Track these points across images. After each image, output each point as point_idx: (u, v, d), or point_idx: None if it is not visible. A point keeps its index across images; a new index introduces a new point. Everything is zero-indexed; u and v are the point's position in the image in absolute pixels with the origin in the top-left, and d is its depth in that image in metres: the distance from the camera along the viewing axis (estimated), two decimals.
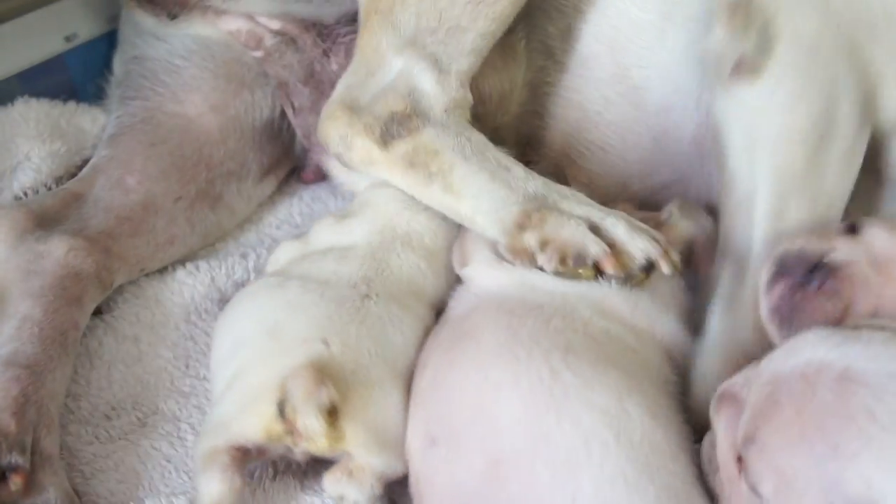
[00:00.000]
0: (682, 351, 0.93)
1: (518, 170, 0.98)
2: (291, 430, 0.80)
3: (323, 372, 0.82)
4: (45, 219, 1.08)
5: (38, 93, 1.24)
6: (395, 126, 1.00)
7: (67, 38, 1.29)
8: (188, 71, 1.23)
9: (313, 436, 0.80)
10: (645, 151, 1.16)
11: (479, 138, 1.01)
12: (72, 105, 1.27)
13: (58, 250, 1.03)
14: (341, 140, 1.01)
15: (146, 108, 1.23)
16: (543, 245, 0.90)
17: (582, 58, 1.16)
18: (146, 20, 1.26)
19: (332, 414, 0.80)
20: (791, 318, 0.81)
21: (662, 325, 0.92)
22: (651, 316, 0.91)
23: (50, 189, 1.18)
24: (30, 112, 1.21)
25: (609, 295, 0.90)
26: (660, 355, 0.90)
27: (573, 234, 0.90)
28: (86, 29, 1.31)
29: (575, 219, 0.91)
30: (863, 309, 0.79)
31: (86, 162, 1.21)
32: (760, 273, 0.85)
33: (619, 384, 0.80)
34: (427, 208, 1.01)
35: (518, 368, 0.80)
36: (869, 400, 0.64)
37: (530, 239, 0.91)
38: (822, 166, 0.93)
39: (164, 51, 1.25)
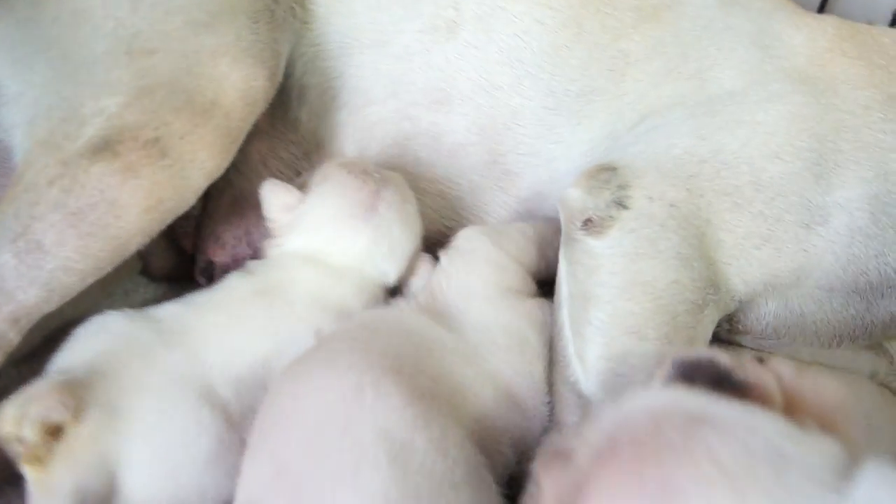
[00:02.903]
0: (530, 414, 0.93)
1: None
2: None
3: (75, 391, 0.83)
4: None
5: None
6: None
7: None
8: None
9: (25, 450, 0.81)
10: None
11: None
12: None
13: None
14: None
15: None
16: None
17: (450, 149, 1.15)
18: None
19: (55, 432, 0.81)
20: None
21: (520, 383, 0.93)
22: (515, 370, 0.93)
23: None
24: None
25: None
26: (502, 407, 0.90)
27: None
28: None
29: None
30: None
31: None
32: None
33: (417, 418, 0.78)
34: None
35: (330, 381, 0.80)
36: (714, 440, 0.60)
37: None
38: (654, 330, 0.92)
39: None
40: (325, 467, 0.75)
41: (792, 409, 0.72)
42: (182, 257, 1.20)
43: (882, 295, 1.03)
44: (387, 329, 0.91)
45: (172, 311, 0.96)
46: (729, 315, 1.03)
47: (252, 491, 0.79)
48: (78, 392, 0.84)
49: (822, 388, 0.76)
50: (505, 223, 1.13)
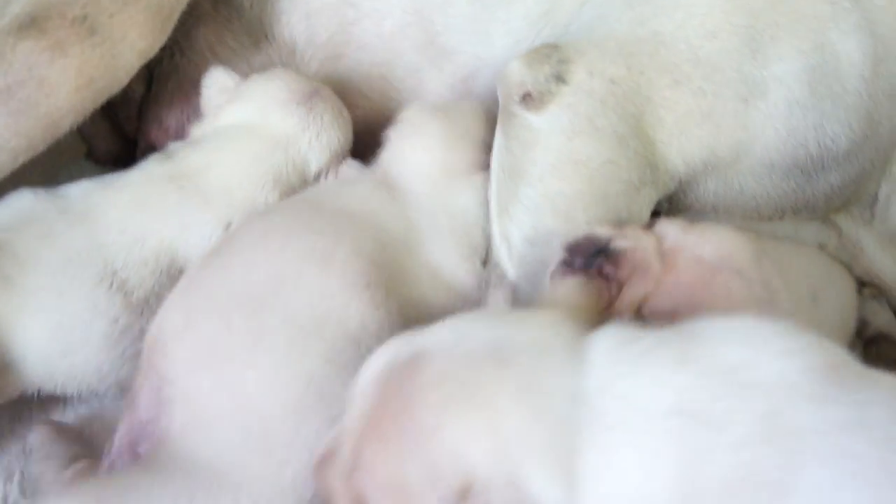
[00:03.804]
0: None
1: None
2: None
3: None
4: None
5: None
6: None
7: None
8: None
9: None
10: None
11: None
12: None
13: None
14: None
15: None
16: None
17: (390, 31, 1.14)
18: None
19: None
20: None
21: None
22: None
23: None
24: None
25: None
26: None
27: None
28: None
29: None
30: (635, 293, 0.78)
31: None
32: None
33: (339, 304, 0.81)
34: None
35: (257, 261, 0.83)
36: (434, 369, 0.62)
37: None
38: (583, 212, 0.92)
39: None
40: (232, 341, 0.78)
41: (669, 269, 0.77)
42: (127, 141, 1.20)
43: (822, 167, 1.03)
44: (331, 208, 0.92)
45: (82, 189, 0.96)
46: (669, 195, 1.03)
47: (163, 327, 0.81)
48: None
49: (707, 241, 0.79)
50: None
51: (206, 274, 0.84)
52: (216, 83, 1.06)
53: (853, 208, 1.12)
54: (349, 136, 1.06)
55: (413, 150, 1.00)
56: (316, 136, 1.02)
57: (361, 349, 0.78)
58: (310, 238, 0.85)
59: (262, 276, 0.81)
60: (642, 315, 0.78)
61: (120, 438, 0.80)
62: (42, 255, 0.89)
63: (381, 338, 0.77)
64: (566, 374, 0.61)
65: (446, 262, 0.93)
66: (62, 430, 0.91)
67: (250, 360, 0.77)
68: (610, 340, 0.63)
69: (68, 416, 0.96)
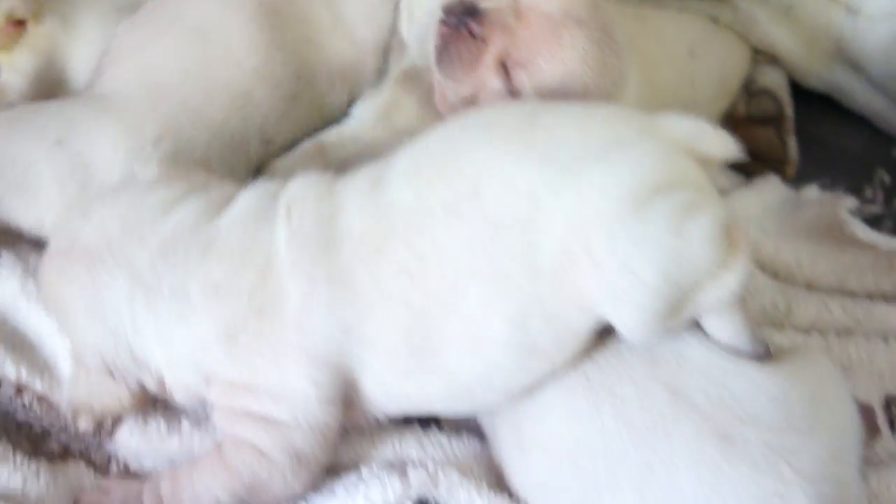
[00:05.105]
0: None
1: None
2: None
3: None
4: None
5: None
6: None
7: None
8: None
9: None
10: None
11: None
12: None
13: None
14: None
15: None
16: None
17: None
18: None
19: (18, 24, 1.10)
20: (443, 54, 0.97)
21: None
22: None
23: None
24: None
25: None
26: None
27: None
28: None
29: None
30: (497, 48, 0.94)
31: None
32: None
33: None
34: None
35: None
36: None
37: None
38: None
39: None
40: (152, 26, 1.10)
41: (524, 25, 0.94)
42: None
43: None
44: None
45: None
46: None
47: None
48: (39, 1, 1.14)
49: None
50: None
51: None
52: None
53: None
54: None
55: None
56: None
57: (244, 73, 1.08)
58: None
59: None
60: (505, 67, 0.95)
61: None
62: (95, 4, 1.16)
63: (269, 71, 1.08)
64: None
65: (356, 16, 1.16)
66: None
67: (158, 40, 1.08)
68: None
69: None
